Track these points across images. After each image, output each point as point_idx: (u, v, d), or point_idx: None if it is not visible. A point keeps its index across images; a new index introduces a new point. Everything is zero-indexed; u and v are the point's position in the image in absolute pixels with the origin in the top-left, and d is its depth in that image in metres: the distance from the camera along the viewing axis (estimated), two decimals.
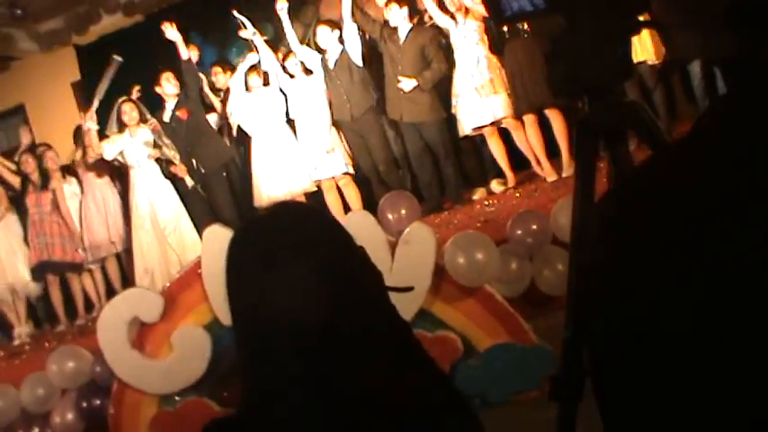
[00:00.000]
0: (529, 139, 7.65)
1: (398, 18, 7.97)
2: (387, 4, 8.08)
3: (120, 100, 8.73)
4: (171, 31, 8.61)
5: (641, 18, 2.20)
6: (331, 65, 8.30)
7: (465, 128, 7.80)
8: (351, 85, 8.19)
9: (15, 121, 11.66)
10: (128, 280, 9.16)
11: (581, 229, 2.24)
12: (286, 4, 8.47)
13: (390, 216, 6.12)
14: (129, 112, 8.65)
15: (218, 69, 9.20)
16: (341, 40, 8.27)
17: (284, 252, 1.52)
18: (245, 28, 8.72)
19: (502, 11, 2.17)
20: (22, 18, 10.28)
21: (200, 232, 8.31)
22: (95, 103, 8.80)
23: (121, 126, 8.68)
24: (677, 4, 0.95)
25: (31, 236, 9.35)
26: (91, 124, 8.71)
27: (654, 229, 0.88)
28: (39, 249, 9.28)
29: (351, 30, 8.19)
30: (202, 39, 10.57)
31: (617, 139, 2.28)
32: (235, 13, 8.85)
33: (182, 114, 8.58)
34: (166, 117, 8.68)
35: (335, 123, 8.39)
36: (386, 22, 8.07)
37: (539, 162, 7.74)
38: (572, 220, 2.24)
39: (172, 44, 9.77)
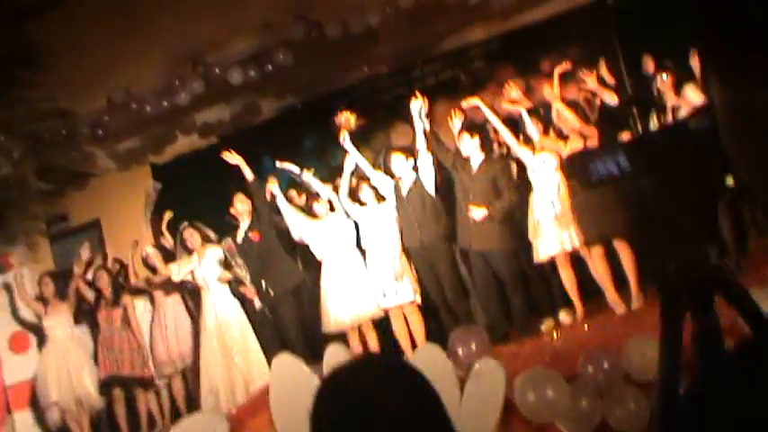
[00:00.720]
0: (596, 269, 7.60)
1: (470, 148, 8.09)
2: (459, 134, 8.22)
3: (180, 227, 8.99)
4: (231, 157, 8.83)
5: (727, 181, 2.23)
6: (404, 192, 8.40)
7: (541, 254, 7.80)
8: (422, 213, 8.25)
9: (91, 236, 11.93)
10: (192, 399, 9.19)
11: (668, 393, 2.22)
12: (347, 135, 8.63)
13: (460, 350, 6.10)
14: (189, 238, 8.90)
15: (292, 194, 9.33)
16: (415, 168, 8.38)
17: (370, 410, 1.55)
18: (294, 173, 8.95)
19: (589, 175, 2.21)
20: (103, 138, 10.62)
21: (266, 353, 8.35)
22: (144, 229, 9.03)
23: (188, 251, 8.89)
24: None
25: (101, 350, 9.54)
26: (149, 249, 8.94)
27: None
28: (109, 364, 9.44)
29: (425, 159, 8.30)
30: (273, 162, 10.81)
31: (702, 300, 2.27)
32: (278, 163, 9.06)
33: (254, 236, 8.69)
34: (239, 238, 8.79)
35: (405, 250, 8.43)
36: (458, 151, 8.18)
37: None
38: (658, 385, 2.22)
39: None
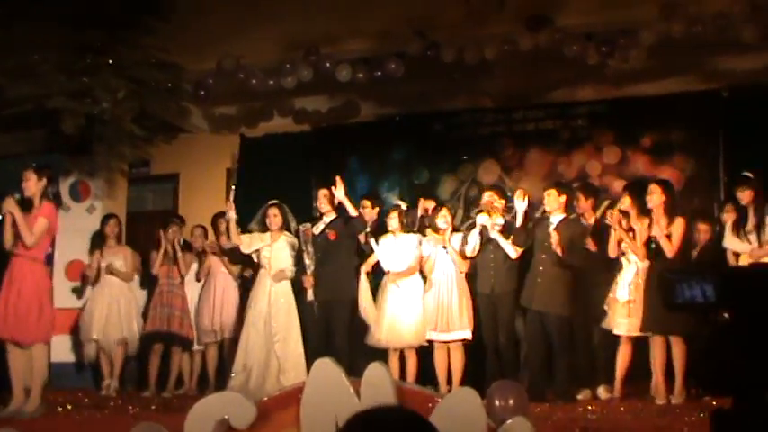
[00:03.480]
0: (651, 358, 7.58)
1: (554, 205, 8.13)
2: (546, 189, 8.29)
3: (269, 203, 8.95)
4: (339, 192, 8.61)
5: None
6: (493, 234, 8.38)
7: (612, 327, 7.86)
8: (502, 264, 8.33)
9: (167, 188, 12.20)
10: (223, 371, 9.35)
11: None
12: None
13: (497, 402, 6.12)
14: (273, 217, 8.85)
15: (366, 203, 9.21)
16: (504, 212, 8.44)
17: None
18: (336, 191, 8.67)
19: (674, 296, 2.28)
20: (203, 99, 10.86)
21: (307, 350, 8.46)
22: (231, 195, 9.07)
23: (264, 228, 8.94)
24: None
25: (154, 304, 9.75)
26: (232, 215, 8.96)
27: None
28: (158, 319, 9.63)
29: (520, 207, 8.27)
30: (359, 164, 10.95)
31: None
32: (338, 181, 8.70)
33: (330, 234, 8.70)
34: (317, 230, 8.79)
35: (472, 293, 8.49)
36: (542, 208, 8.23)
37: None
38: None
39: (329, 159, 10.14)
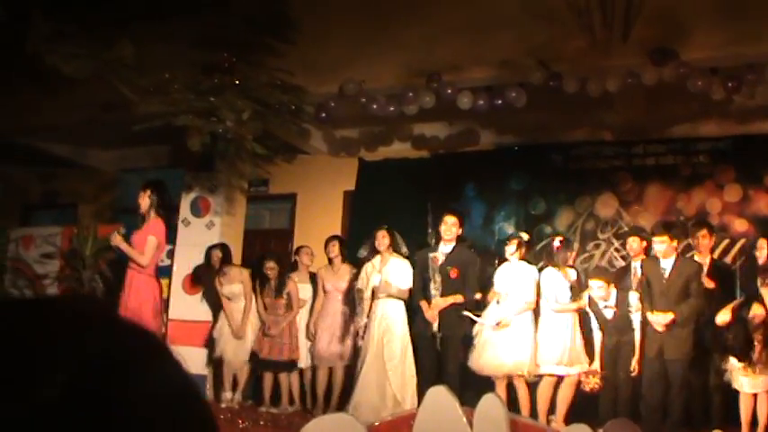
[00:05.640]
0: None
1: (667, 251, 7.96)
2: (657, 234, 8.13)
3: (377, 228, 8.98)
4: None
5: None
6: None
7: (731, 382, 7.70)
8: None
9: (284, 207, 12.44)
10: (331, 392, 9.48)
11: None
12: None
13: None
14: (381, 238, 8.90)
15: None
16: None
17: None
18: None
19: None
20: (324, 121, 11.04)
21: (419, 373, 8.48)
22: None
23: (374, 253, 8.98)
24: None
25: (262, 332, 9.88)
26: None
27: None
28: (266, 347, 9.78)
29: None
30: (476, 192, 10.96)
31: None
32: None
33: (453, 272, 8.53)
34: (440, 257, 8.65)
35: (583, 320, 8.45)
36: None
37: None
38: None
39: (446, 186, 10.17)
